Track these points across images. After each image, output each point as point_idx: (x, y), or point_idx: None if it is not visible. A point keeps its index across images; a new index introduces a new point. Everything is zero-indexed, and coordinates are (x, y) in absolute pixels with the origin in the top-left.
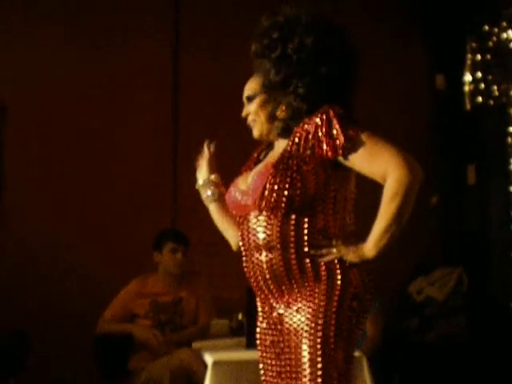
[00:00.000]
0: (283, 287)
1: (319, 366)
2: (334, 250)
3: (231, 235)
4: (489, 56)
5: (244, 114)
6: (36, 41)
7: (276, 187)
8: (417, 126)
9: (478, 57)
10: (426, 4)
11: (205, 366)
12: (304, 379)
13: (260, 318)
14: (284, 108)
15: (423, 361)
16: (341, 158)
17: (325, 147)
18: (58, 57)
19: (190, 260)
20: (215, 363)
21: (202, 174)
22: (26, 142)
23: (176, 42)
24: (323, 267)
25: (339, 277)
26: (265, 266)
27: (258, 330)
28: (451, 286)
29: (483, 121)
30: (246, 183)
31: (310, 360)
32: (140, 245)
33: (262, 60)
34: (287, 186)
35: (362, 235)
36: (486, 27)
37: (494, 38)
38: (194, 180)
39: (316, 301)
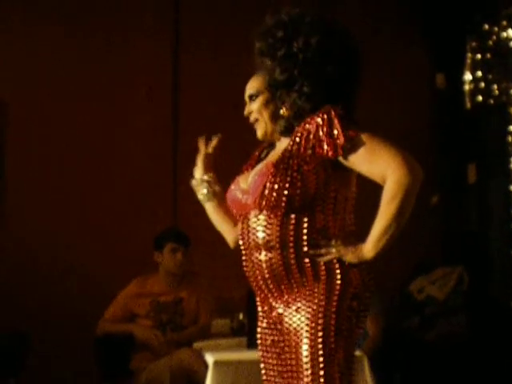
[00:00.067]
0: (282, 287)
1: (321, 366)
2: (333, 250)
3: (228, 233)
4: (489, 55)
5: (246, 112)
6: (36, 41)
7: (276, 186)
8: (417, 125)
9: (478, 56)
10: (426, 4)
11: (206, 365)
12: (306, 379)
13: (260, 318)
14: (288, 107)
15: (424, 360)
16: (341, 159)
17: (325, 147)
18: (57, 56)
19: (191, 260)
20: (216, 363)
21: (198, 172)
22: (26, 142)
23: (176, 42)
24: (323, 267)
25: (339, 276)
26: (264, 265)
27: (258, 329)
28: (452, 285)
29: (483, 120)
30: (246, 182)
31: (311, 360)
32: (140, 245)
33: (266, 59)
34: (287, 185)
35: (362, 235)
36: (486, 26)
37: (494, 37)
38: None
39: (316, 301)
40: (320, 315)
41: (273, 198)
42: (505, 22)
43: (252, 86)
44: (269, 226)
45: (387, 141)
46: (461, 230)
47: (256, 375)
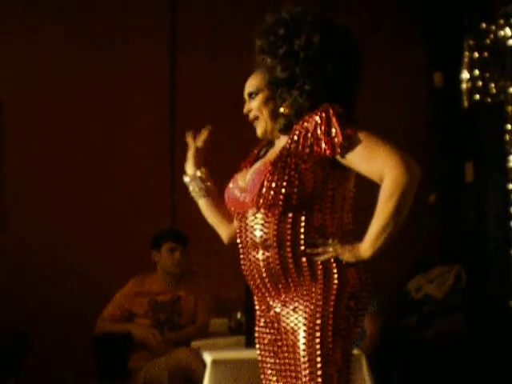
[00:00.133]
0: (280, 286)
1: (318, 365)
2: (330, 249)
3: (222, 229)
4: (486, 54)
5: (245, 110)
6: (36, 41)
7: (273, 185)
8: (414, 123)
9: (476, 54)
10: (426, 3)
11: (204, 365)
12: (304, 379)
13: (257, 317)
14: (289, 105)
15: (422, 359)
16: (339, 157)
17: (323, 146)
18: (56, 56)
19: (189, 259)
20: (214, 362)
21: (189, 168)
22: (25, 142)
23: (173, 43)
24: (320, 266)
25: (336, 276)
26: (261, 264)
27: (256, 328)
28: (450, 283)
29: (481, 118)
30: (244, 180)
31: (308, 360)
32: (140, 245)
33: (267, 56)
34: (285, 183)
35: (360, 234)
36: (484, 25)
37: (492, 36)
38: None
39: (313, 300)
40: (317, 315)
41: (270, 197)
42: (502, 21)
43: (251, 84)
44: (266, 224)
45: (385, 140)
46: (458, 228)
47: (254, 374)
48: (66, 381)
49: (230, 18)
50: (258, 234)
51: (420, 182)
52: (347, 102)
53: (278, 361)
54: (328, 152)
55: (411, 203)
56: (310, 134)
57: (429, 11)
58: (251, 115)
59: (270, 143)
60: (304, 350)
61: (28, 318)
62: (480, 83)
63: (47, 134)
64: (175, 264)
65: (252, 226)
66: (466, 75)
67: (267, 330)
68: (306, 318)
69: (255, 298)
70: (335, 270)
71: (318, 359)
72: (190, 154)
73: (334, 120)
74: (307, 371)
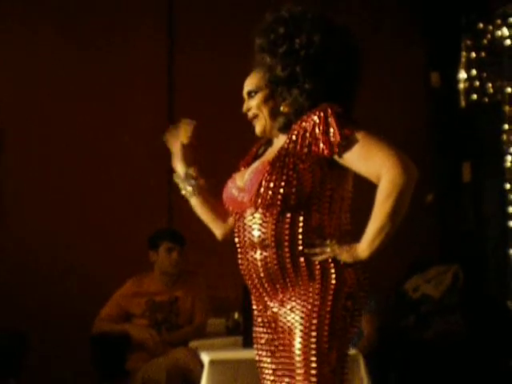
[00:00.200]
0: (277, 286)
1: (313, 365)
2: (328, 250)
3: (216, 227)
4: (483, 54)
5: (245, 109)
6: (36, 41)
7: (272, 185)
8: (412, 123)
9: (473, 54)
10: (426, 3)
11: (201, 365)
12: (298, 377)
13: (255, 317)
14: (289, 104)
15: (420, 359)
16: (336, 157)
17: (321, 145)
18: (57, 57)
19: (186, 259)
20: (212, 362)
21: (179, 166)
22: (25, 141)
23: (171, 43)
24: (317, 266)
25: (334, 276)
26: (259, 264)
27: (254, 328)
28: (447, 283)
29: (478, 118)
30: (242, 180)
31: (304, 359)
32: (139, 245)
33: (266, 55)
34: (283, 183)
35: (358, 234)
36: (481, 25)
37: (489, 36)
38: None
39: (310, 300)
40: (314, 315)
41: (268, 197)
42: (499, 21)
43: (251, 83)
44: (264, 224)
45: (383, 140)
46: (456, 228)
47: (251, 374)
48: (65, 381)
49: (228, 18)
50: (255, 233)
51: (418, 182)
52: (347, 101)
53: (274, 360)
54: (326, 152)
55: (409, 203)
56: (308, 134)
57: (427, 11)
58: (250, 114)
59: (269, 142)
60: (300, 349)
61: (28, 318)
62: (477, 83)
63: (47, 134)
64: (172, 264)
65: (250, 226)
66: (463, 75)
67: (264, 330)
68: (302, 318)
69: (253, 297)
70: (333, 270)
71: (313, 359)
72: (176, 151)
73: (332, 120)
74: (302, 370)
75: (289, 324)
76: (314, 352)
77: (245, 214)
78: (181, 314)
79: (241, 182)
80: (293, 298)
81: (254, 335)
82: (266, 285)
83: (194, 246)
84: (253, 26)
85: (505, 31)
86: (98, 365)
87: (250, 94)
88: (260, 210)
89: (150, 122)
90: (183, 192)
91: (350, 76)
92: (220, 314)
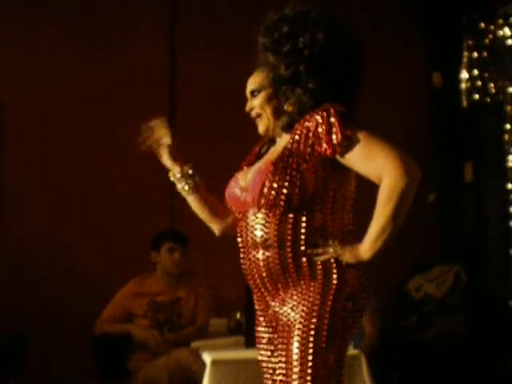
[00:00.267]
0: (279, 285)
1: (309, 364)
2: (331, 250)
3: (213, 223)
4: (485, 53)
5: (248, 108)
6: (36, 41)
7: (275, 185)
8: (414, 123)
9: (475, 54)
10: (426, 3)
11: (203, 365)
12: (294, 376)
13: (257, 316)
14: (292, 103)
15: (422, 359)
16: (338, 157)
17: (324, 145)
18: (57, 57)
19: (189, 259)
20: (214, 362)
21: (171, 166)
22: (25, 141)
23: (173, 43)
24: (319, 266)
25: (335, 276)
26: (261, 263)
27: (256, 328)
28: (449, 283)
29: (480, 118)
30: (245, 179)
31: (300, 358)
32: (140, 245)
33: (270, 54)
34: (286, 184)
35: (360, 235)
36: (482, 25)
37: (490, 36)
38: None
39: (310, 299)
40: (314, 314)
41: (271, 197)
42: (501, 21)
43: (254, 82)
44: (267, 224)
45: (385, 140)
46: (458, 228)
47: (254, 374)
48: (65, 381)
49: (230, 17)
50: (258, 233)
51: (420, 182)
52: (350, 100)
53: (274, 359)
54: (328, 151)
55: (411, 203)
56: (311, 134)
57: (428, 11)
58: (253, 113)
59: (272, 140)
60: (297, 348)
61: (28, 318)
62: (479, 83)
63: (47, 134)
64: (175, 264)
65: (253, 226)
66: (465, 75)
67: (266, 329)
68: (302, 317)
69: (255, 297)
70: (335, 271)
71: (310, 358)
72: (162, 152)
73: (334, 119)
74: (297, 369)
75: (289, 323)
76: (311, 351)
77: (247, 213)
78: (183, 314)
79: (243, 182)
80: (294, 297)
81: (256, 335)
82: (267, 284)
83: (196, 246)
84: (255, 25)
85: (506, 31)
86: (99, 365)
87: (253, 93)
88: (263, 210)
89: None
90: (180, 190)
91: (354, 75)
92: (222, 314)
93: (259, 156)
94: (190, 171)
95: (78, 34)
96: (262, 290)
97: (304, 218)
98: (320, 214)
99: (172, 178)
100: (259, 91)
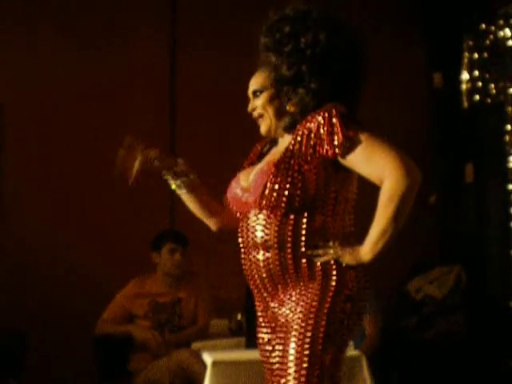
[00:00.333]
0: (279, 286)
1: (304, 365)
2: (331, 251)
3: (209, 221)
4: (486, 54)
5: (250, 108)
6: (36, 41)
7: (277, 187)
8: (414, 124)
9: (475, 55)
10: (426, 3)
11: (204, 366)
12: (288, 377)
13: (258, 317)
14: (294, 103)
15: (422, 359)
16: (340, 158)
17: (326, 146)
18: (57, 57)
19: (189, 260)
20: (215, 363)
21: (164, 171)
22: (25, 141)
23: (173, 43)
24: (319, 267)
25: (335, 278)
26: (261, 264)
27: (257, 328)
28: (450, 284)
29: (481, 119)
30: (247, 180)
31: (296, 359)
32: (140, 245)
33: (272, 54)
34: (288, 185)
35: (361, 236)
36: (483, 25)
37: (491, 37)
38: None
39: (309, 300)
40: (311, 315)
41: (273, 198)
42: (502, 22)
43: (256, 82)
44: (268, 225)
45: (386, 142)
46: (459, 229)
47: (254, 375)
48: (65, 381)
49: (230, 17)
50: (258, 234)
51: (420, 183)
52: (352, 100)
53: (272, 360)
54: (330, 152)
55: (411, 205)
56: (313, 135)
57: (429, 11)
58: (255, 113)
59: (274, 140)
60: (293, 349)
61: (28, 318)
62: (480, 84)
63: (47, 134)
64: (175, 265)
65: (253, 227)
66: (465, 76)
67: (266, 330)
68: (299, 318)
69: (255, 298)
70: (334, 272)
71: (305, 359)
72: (151, 168)
73: (336, 120)
74: (293, 369)
75: (287, 324)
76: (307, 352)
77: (249, 214)
78: (184, 315)
79: (245, 182)
80: (293, 298)
81: (257, 335)
82: (267, 285)
83: (197, 246)
84: (255, 25)
85: (507, 32)
86: (100, 365)
87: (255, 93)
88: (264, 211)
89: (151, 123)
90: (175, 189)
91: (356, 75)
92: (223, 315)
93: (261, 155)
94: (183, 169)
95: (78, 34)
96: (262, 290)
97: (305, 220)
98: (321, 215)
99: (165, 177)
100: (261, 91)
